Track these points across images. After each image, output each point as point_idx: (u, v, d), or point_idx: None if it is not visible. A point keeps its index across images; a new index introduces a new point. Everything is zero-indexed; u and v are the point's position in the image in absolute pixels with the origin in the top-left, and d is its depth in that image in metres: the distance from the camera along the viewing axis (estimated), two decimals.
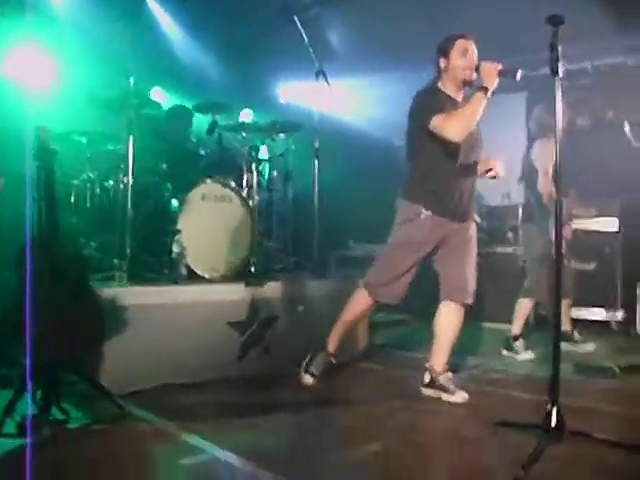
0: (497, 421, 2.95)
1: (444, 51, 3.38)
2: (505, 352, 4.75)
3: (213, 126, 5.03)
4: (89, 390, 3.18)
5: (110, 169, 4.63)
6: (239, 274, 4.42)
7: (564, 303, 4.86)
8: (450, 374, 3.59)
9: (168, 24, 7.00)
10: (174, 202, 4.30)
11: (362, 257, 6.58)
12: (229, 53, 6.68)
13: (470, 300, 3.53)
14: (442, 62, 3.38)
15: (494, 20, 5.64)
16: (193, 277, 4.08)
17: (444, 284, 3.54)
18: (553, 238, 2.71)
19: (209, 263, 4.27)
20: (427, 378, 3.55)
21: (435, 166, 3.40)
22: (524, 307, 4.79)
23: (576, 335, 4.95)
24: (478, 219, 3.64)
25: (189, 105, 5.31)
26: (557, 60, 2.58)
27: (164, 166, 4.73)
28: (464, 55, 3.33)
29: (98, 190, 4.69)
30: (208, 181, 4.36)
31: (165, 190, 4.47)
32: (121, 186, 4.33)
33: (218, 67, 6.71)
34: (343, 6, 6.99)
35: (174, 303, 3.72)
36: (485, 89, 3.16)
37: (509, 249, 6.14)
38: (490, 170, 3.49)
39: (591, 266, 5.71)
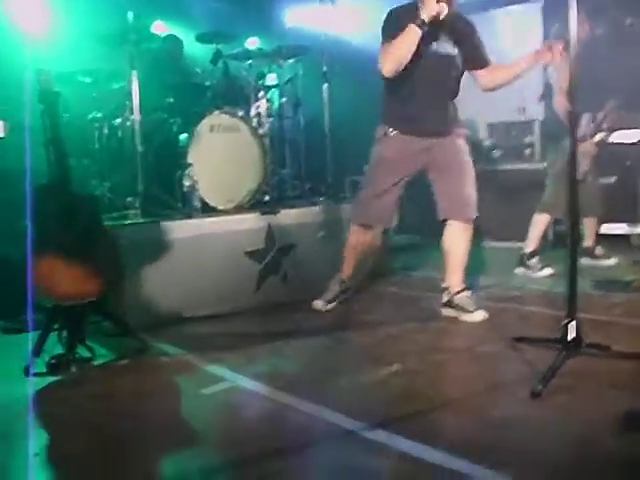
0: (515, 336, 2.97)
1: None
2: (519, 270, 4.67)
3: (217, 56, 4.91)
4: (112, 327, 3.27)
5: (117, 107, 4.57)
6: (254, 203, 4.41)
7: (590, 220, 4.82)
8: (469, 293, 3.58)
9: None
10: (183, 136, 4.26)
11: None
12: None
13: (473, 215, 3.47)
14: None
15: None
16: (207, 209, 4.07)
17: (443, 204, 3.48)
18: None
19: (222, 194, 4.25)
20: (445, 298, 3.56)
21: (397, 86, 3.32)
22: (540, 222, 4.67)
23: (598, 250, 4.91)
24: (465, 131, 3.55)
25: (192, 36, 5.18)
26: None
27: (171, 100, 4.66)
28: None
29: (106, 130, 4.66)
30: (216, 112, 4.29)
31: (173, 124, 4.41)
32: (129, 124, 4.29)
33: None
34: None
35: (190, 236, 3.73)
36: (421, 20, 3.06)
37: (526, 166, 6.02)
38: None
39: (611, 180, 5.59)
